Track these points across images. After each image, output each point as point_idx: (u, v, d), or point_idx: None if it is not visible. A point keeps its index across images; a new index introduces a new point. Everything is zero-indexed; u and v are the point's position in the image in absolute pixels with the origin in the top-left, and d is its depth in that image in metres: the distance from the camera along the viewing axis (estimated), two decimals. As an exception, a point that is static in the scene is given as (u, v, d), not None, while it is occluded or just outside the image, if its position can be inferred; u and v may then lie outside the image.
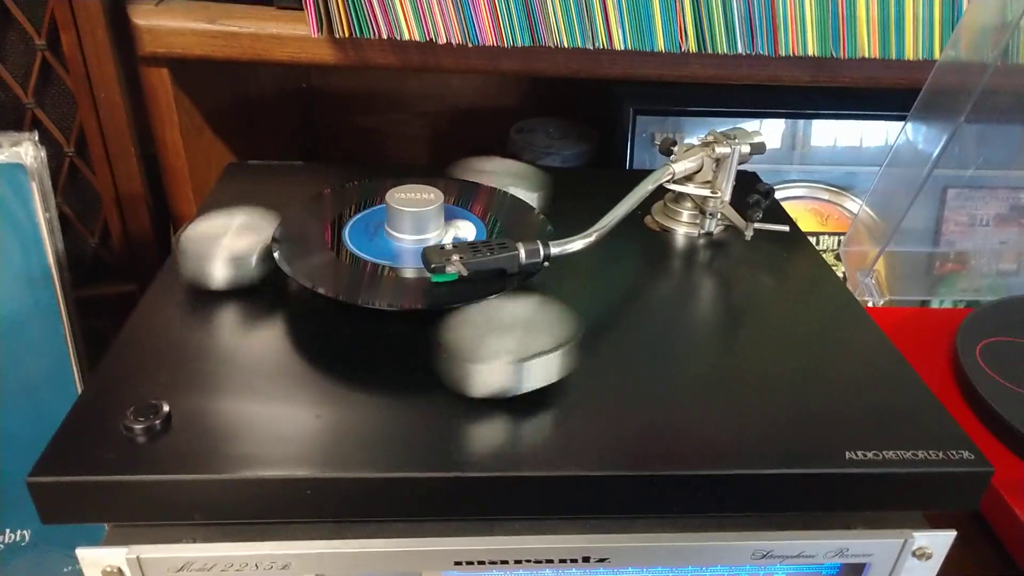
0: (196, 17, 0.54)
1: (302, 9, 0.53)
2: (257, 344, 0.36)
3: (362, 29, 0.52)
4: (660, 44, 0.54)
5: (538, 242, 0.37)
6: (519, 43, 0.53)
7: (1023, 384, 0.47)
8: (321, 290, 0.36)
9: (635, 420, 0.33)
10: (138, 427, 0.30)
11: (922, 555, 0.33)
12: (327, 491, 0.30)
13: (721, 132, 0.46)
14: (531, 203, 0.46)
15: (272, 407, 0.32)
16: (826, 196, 0.75)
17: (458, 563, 0.32)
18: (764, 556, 0.33)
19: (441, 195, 0.41)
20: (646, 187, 0.43)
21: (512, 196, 0.46)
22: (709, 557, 0.33)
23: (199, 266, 0.38)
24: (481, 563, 0.32)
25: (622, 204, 0.41)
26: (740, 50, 0.55)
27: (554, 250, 0.38)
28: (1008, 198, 0.72)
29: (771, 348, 0.38)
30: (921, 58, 0.56)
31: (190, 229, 0.40)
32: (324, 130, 0.89)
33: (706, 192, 0.46)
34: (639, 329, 0.39)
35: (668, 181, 0.45)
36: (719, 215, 0.47)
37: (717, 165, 0.46)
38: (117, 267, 0.62)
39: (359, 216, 0.43)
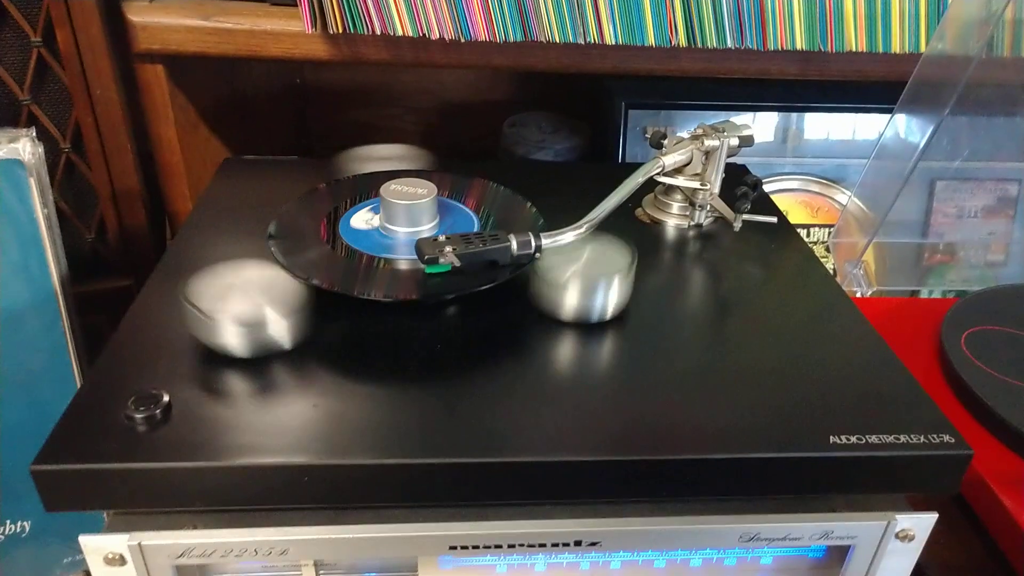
0: (191, 14, 0.55)
1: (296, 5, 0.53)
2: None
3: (355, 25, 0.52)
4: (650, 39, 0.55)
5: (529, 234, 0.38)
6: (511, 38, 0.54)
7: (1007, 372, 0.47)
8: (317, 282, 0.37)
9: (626, 407, 0.33)
10: (139, 416, 0.30)
11: (905, 537, 0.34)
12: (324, 478, 0.30)
13: (710, 125, 0.47)
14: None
15: (270, 397, 0.33)
16: (817, 188, 0.76)
17: (453, 548, 0.33)
18: (751, 539, 0.33)
19: (435, 188, 0.41)
20: (636, 180, 0.44)
21: (505, 190, 0.46)
22: (698, 540, 0.34)
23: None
24: (475, 548, 0.33)
25: (612, 196, 0.42)
26: (729, 44, 0.56)
27: (545, 242, 0.38)
28: (995, 190, 0.73)
29: (759, 337, 0.39)
30: (907, 51, 0.57)
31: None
32: (318, 125, 0.89)
33: (695, 184, 0.47)
34: (629, 319, 0.39)
35: (658, 174, 0.46)
36: (708, 207, 0.48)
37: (706, 158, 0.46)
38: (113, 262, 0.63)
39: (354, 209, 0.43)
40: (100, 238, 0.62)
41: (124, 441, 0.30)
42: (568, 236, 0.39)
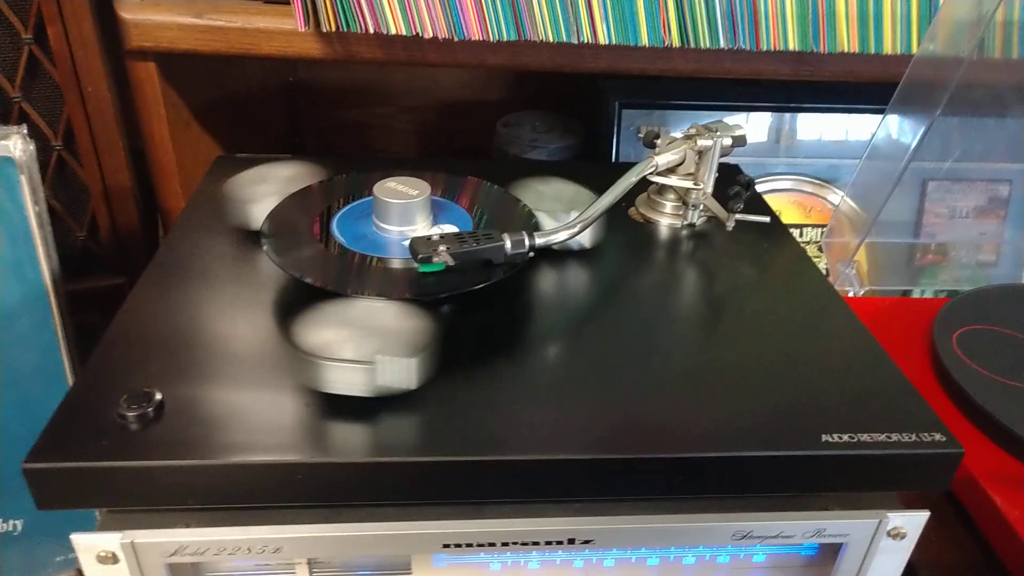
0: (183, 11, 0.54)
1: (288, 3, 0.53)
2: (248, 333, 0.36)
3: (348, 23, 0.52)
4: (644, 38, 0.55)
5: (523, 233, 0.38)
6: (504, 37, 0.54)
7: (998, 371, 0.48)
8: (309, 280, 0.37)
9: (620, 406, 0.33)
10: (131, 415, 0.30)
11: (896, 535, 0.34)
12: (318, 476, 0.30)
13: (703, 125, 0.47)
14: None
15: (263, 395, 0.33)
16: (810, 189, 0.76)
17: (446, 546, 0.33)
18: (744, 537, 0.34)
19: (428, 187, 0.41)
20: (629, 179, 0.44)
21: (498, 188, 0.46)
22: (691, 538, 0.34)
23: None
24: (469, 546, 0.33)
25: (605, 196, 0.42)
26: (722, 44, 0.56)
27: (539, 240, 0.38)
28: (987, 190, 0.73)
29: (751, 336, 0.39)
30: (899, 52, 0.57)
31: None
32: (311, 124, 0.89)
33: (689, 184, 0.47)
34: (623, 318, 0.39)
35: (651, 173, 0.46)
36: (701, 206, 0.48)
37: (699, 157, 0.46)
38: (105, 260, 0.63)
39: (347, 208, 0.43)
40: (92, 236, 0.62)
41: (116, 439, 0.30)
42: (562, 235, 0.39)
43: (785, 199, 0.76)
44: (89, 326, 0.59)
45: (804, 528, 0.34)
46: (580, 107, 0.82)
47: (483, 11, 0.53)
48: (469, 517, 0.33)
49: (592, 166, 0.68)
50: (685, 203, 0.48)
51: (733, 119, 0.48)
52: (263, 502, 0.31)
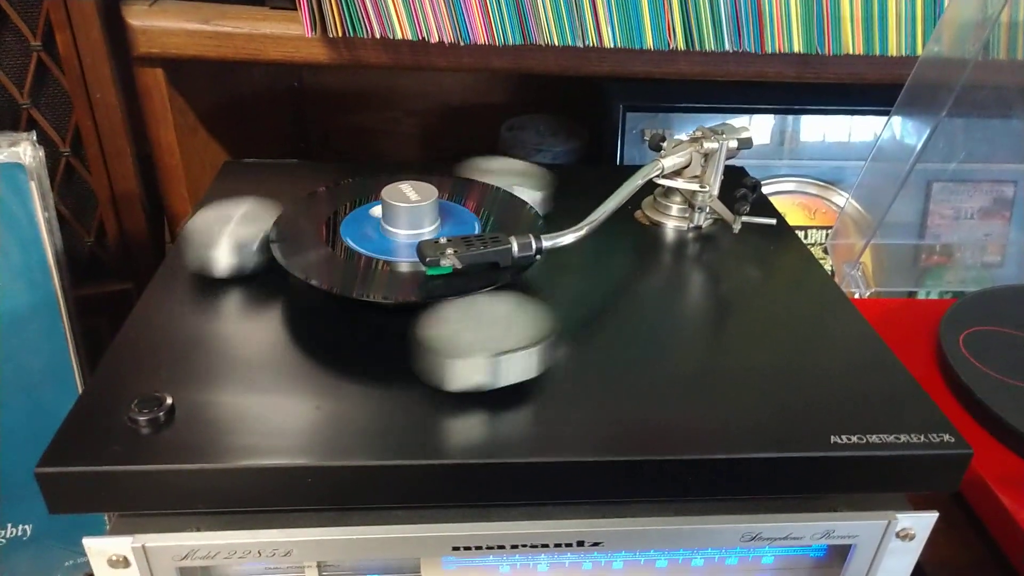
0: (190, 17, 0.55)
1: (295, 9, 0.54)
2: (257, 338, 0.37)
3: (355, 28, 0.53)
4: (649, 41, 0.55)
5: (530, 236, 0.38)
6: (510, 41, 0.54)
7: (1005, 372, 0.48)
8: (316, 283, 0.37)
9: (629, 408, 0.33)
10: (142, 419, 0.31)
11: (905, 536, 0.34)
12: (328, 479, 0.30)
13: (709, 128, 0.47)
14: (534, 203, 0.46)
15: (273, 399, 0.33)
16: (814, 191, 0.76)
17: (456, 548, 0.33)
18: (753, 538, 0.34)
19: (435, 191, 0.41)
20: (635, 182, 0.44)
21: (505, 192, 0.47)
22: (699, 540, 0.34)
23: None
24: (478, 548, 0.33)
25: (612, 198, 0.42)
26: (727, 47, 0.56)
27: (546, 243, 0.39)
28: (992, 191, 0.73)
29: (759, 338, 0.39)
30: (904, 54, 0.57)
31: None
32: (316, 129, 0.89)
33: (695, 187, 0.47)
34: (631, 320, 0.39)
35: (657, 176, 0.46)
36: (707, 209, 0.48)
37: (705, 160, 0.47)
38: (113, 266, 0.63)
39: (355, 212, 0.43)
40: (100, 241, 0.62)
41: (128, 443, 0.30)
42: (569, 238, 0.40)
43: (790, 201, 0.76)
44: (97, 331, 0.59)
45: (813, 529, 0.34)
46: (585, 110, 0.82)
47: (488, 15, 0.53)
48: (478, 520, 0.33)
49: (597, 169, 0.69)
50: (691, 206, 0.48)
51: (738, 121, 0.48)
52: (273, 505, 0.31)
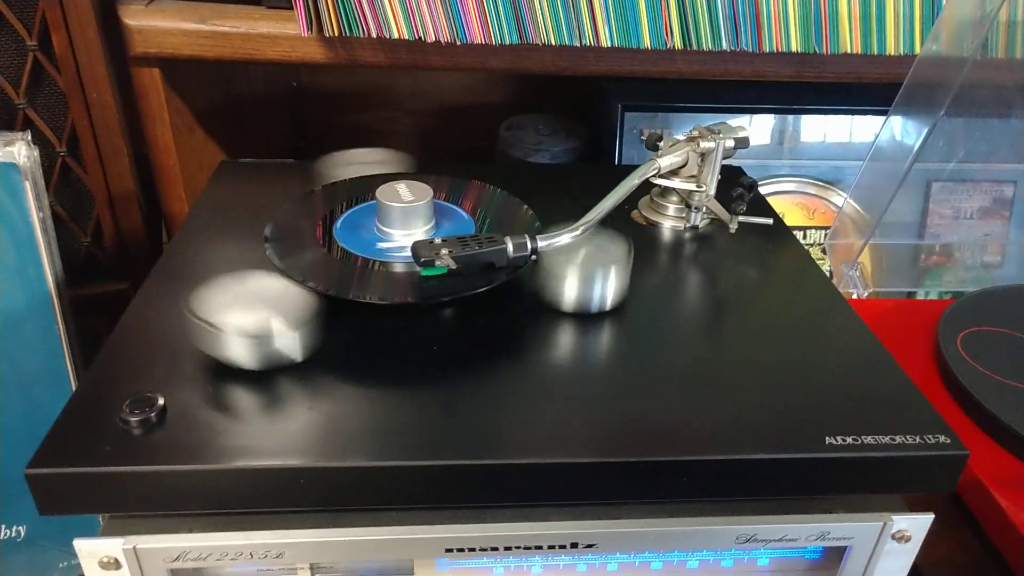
0: (186, 17, 0.55)
1: (291, 8, 0.54)
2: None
3: (351, 28, 0.52)
4: (646, 41, 0.55)
5: (526, 236, 0.38)
6: (507, 41, 0.54)
7: (1003, 373, 0.47)
8: (312, 285, 0.37)
9: (623, 408, 0.33)
10: (134, 420, 0.30)
11: (901, 538, 0.34)
12: (320, 480, 0.30)
13: (706, 127, 0.47)
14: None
15: (265, 399, 0.33)
16: (813, 191, 0.76)
17: (449, 550, 0.33)
18: (748, 540, 0.33)
19: (430, 191, 0.41)
20: (632, 181, 0.44)
21: (501, 192, 0.46)
22: (695, 542, 0.34)
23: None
24: (472, 550, 0.33)
25: (608, 198, 0.42)
26: (725, 46, 0.56)
27: (541, 243, 0.38)
28: (991, 191, 0.73)
29: (755, 338, 0.39)
30: (902, 53, 0.57)
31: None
32: (314, 129, 0.89)
33: (691, 186, 0.47)
34: (627, 320, 0.39)
35: (654, 175, 0.46)
36: (704, 209, 0.48)
37: (702, 159, 0.46)
38: (110, 266, 0.63)
39: (350, 212, 0.43)
40: (96, 241, 0.62)
41: (119, 444, 0.30)
42: (564, 238, 0.39)
43: (789, 201, 0.76)
44: (94, 331, 0.59)
45: (808, 531, 0.34)
46: (583, 110, 0.82)
47: (485, 14, 0.53)
48: (472, 521, 0.33)
49: (595, 168, 0.68)
50: (688, 205, 0.48)
51: (736, 121, 0.47)
52: (266, 507, 0.31)
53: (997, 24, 0.54)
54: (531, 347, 0.37)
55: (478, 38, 0.54)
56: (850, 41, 0.56)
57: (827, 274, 0.46)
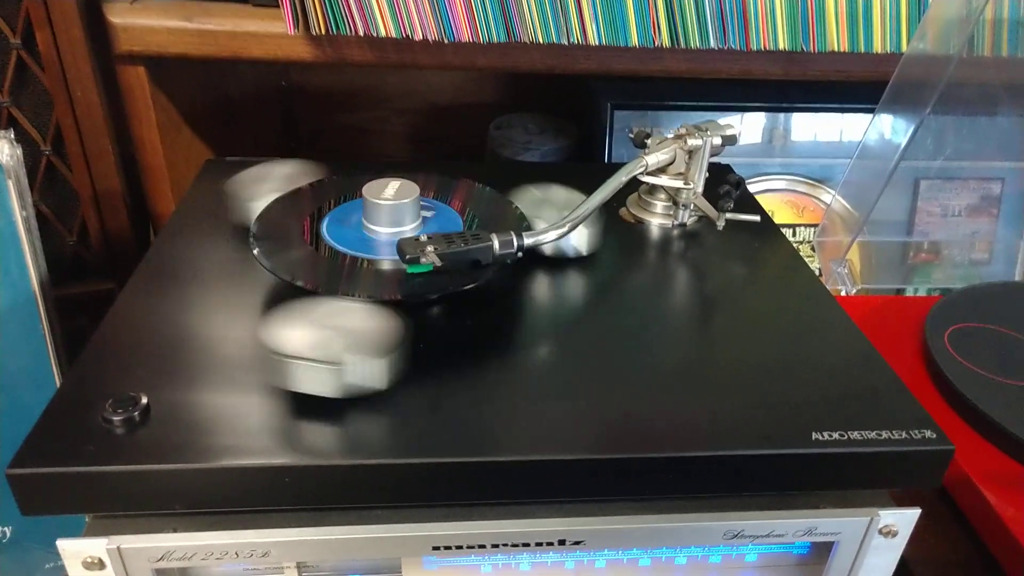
0: (172, 15, 0.54)
1: (278, 6, 0.53)
2: (235, 337, 0.36)
3: (338, 26, 0.52)
4: (634, 39, 0.55)
5: (512, 233, 0.38)
6: (494, 39, 0.54)
7: (989, 368, 0.48)
8: (300, 283, 0.36)
9: (610, 405, 0.33)
10: (117, 419, 0.30)
11: (888, 533, 0.34)
12: (306, 478, 0.30)
13: (693, 125, 0.47)
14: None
15: (250, 398, 0.32)
16: (803, 189, 0.76)
17: (436, 548, 0.33)
18: (735, 536, 0.33)
19: (417, 188, 0.41)
20: (619, 179, 0.44)
21: (489, 190, 0.46)
22: (682, 538, 0.34)
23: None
24: (459, 548, 0.33)
25: (594, 196, 0.42)
26: (712, 44, 0.56)
27: (528, 241, 0.38)
28: (979, 189, 0.73)
29: (742, 336, 0.39)
30: (889, 51, 0.57)
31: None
32: (304, 128, 0.89)
33: (679, 184, 0.47)
34: (613, 318, 0.39)
35: (641, 173, 0.46)
36: (692, 206, 0.48)
37: (689, 157, 0.46)
38: (96, 265, 0.62)
39: (337, 210, 0.43)
40: (82, 241, 0.61)
41: (102, 444, 0.30)
42: (551, 235, 0.39)
43: (778, 199, 0.76)
44: (81, 331, 0.59)
45: (795, 527, 0.34)
46: (573, 109, 0.82)
47: (473, 13, 0.53)
48: (459, 519, 0.32)
49: (585, 167, 0.68)
50: (676, 203, 0.48)
51: (726, 120, 0.48)
52: (251, 506, 0.31)
53: (983, 22, 0.54)
54: (517, 345, 0.37)
55: (466, 36, 0.54)
56: (837, 39, 0.56)
57: (816, 271, 0.46)
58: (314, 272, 0.38)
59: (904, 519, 0.34)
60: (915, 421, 0.33)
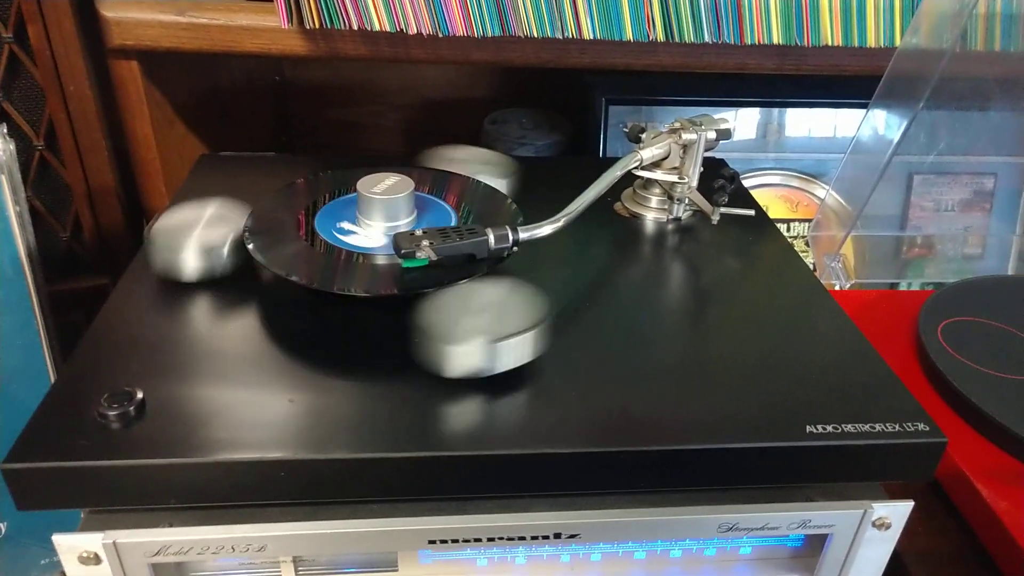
0: (165, 9, 0.54)
1: (271, 0, 0.53)
2: (230, 331, 0.36)
3: (332, 20, 0.52)
4: (628, 33, 0.55)
5: (507, 227, 0.38)
6: (489, 33, 0.54)
7: (982, 362, 0.48)
8: (295, 278, 0.36)
9: (605, 399, 0.33)
10: (112, 414, 0.30)
11: (881, 525, 0.34)
12: (301, 473, 0.30)
13: (688, 119, 0.47)
14: (500, 189, 0.46)
15: (245, 393, 0.32)
16: (797, 183, 0.76)
17: (432, 542, 0.33)
18: (730, 529, 0.34)
19: (412, 183, 0.41)
20: (614, 173, 0.44)
21: (484, 184, 0.46)
22: (677, 531, 0.34)
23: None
24: (455, 541, 0.33)
25: (590, 190, 0.42)
26: (707, 38, 0.56)
27: (523, 235, 0.38)
28: (971, 183, 0.73)
29: (737, 329, 0.39)
30: (883, 46, 0.57)
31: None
32: (299, 123, 0.89)
33: (674, 178, 0.47)
34: (610, 312, 0.39)
35: (636, 167, 0.46)
36: (687, 200, 0.48)
37: (684, 151, 0.46)
38: (89, 260, 0.62)
39: (331, 205, 0.43)
40: (75, 236, 0.61)
41: (97, 438, 0.30)
42: (546, 229, 0.39)
43: (773, 194, 0.76)
44: (73, 326, 0.59)
45: (789, 519, 0.34)
46: (567, 104, 0.82)
47: (467, 7, 0.53)
48: (455, 513, 0.33)
49: (579, 161, 0.68)
50: (670, 197, 0.48)
51: (721, 115, 0.48)
52: (247, 500, 0.31)
53: (975, 17, 0.54)
54: (514, 339, 0.37)
55: (460, 30, 0.53)
56: (831, 33, 0.57)
57: (810, 266, 0.46)
58: (309, 267, 0.38)
59: (897, 512, 0.34)
60: (908, 414, 0.33)
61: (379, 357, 0.35)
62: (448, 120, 0.90)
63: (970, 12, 0.52)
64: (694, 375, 0.35)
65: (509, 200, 0.45)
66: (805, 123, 0.74)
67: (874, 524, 0.34)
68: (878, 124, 0.57)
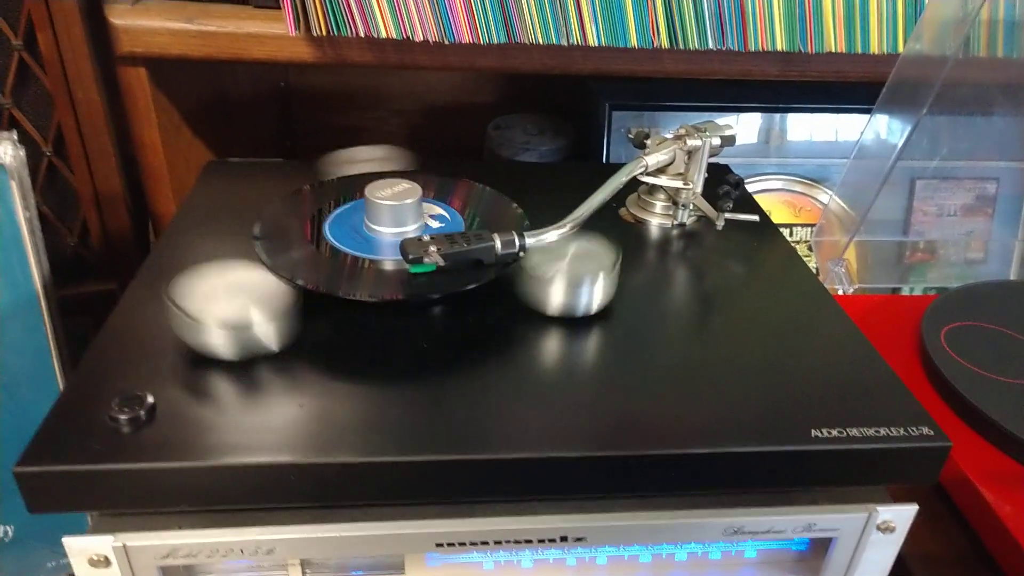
0: (173, 16, 0.55)
1: (279, 8, 0.54)
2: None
3: (339, 27, 0.53)
4: (633, 40, 0.55)
5: (513, 233, 0.38)
6: (494, 40, 0.54)
7: (986, 367, 0.48)
8: (302, 283, 0.37)
9: (611, 403, 0.34)
10: (123, 417, 0.30)
11: (886, 528, 0.34)
12: (310, 476, 0.30)
13: (692, 125, 0.47)
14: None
15: (255, 396, 0.33)
16: (800, 188, 0.77)
17: (439, 545, 0.33)
18: (735, 532, 0.34)
19: (419, 189, 0.41)
20: (619, 179, 0.44)
21: (490, 190, 0.47)
22: (683, 534, 0.34)
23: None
24: (462, 544, 0.33)
25: (596, 196, 0.42)
26: (711, 45, 0.56)
27: (529, 241, 0.39)
28: (974, 188, 0.74)
29: (742, 334, 0.39)
30: (886, 52, 0.57)
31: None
32: (303, 128, 0.89)
33: (678, 184, 0.47)
34: (614, 316, 0.40)
35: (641, 173, 0.46)
36: (691, 206, 0.48)
37: (689, 157, 0.47)
38: (97, 266, 0.62)
39: (339, 211, 0.43)
40: (83, 241, 0.62)
41: (108, 442, 0.30)
42: (552, 235, 0.40)
43: (775, 199, 0.76)
44: (81, 331, 0.59)
45: (794, 523, 0.34)
46: (571, 109, 0.82)
47: (473, 14, 0.53)
48: (462, 516, 0.33)
49: (583, 166, 0.69)
50: (675, 203, 0.48)
51: (724, 120, 0.48)
52: (256, 503, 0.31)
53: (979, 23, 0.54)
54: (519, 343, 0.37)
55: (466, 37, 0.54)
56: (834, 40, 0.57)
57: (813, 270, 0.47)
58: (316, 272, 0.38)
59: (902, 515, 0.34)
60: (912, 418, 0.33)
61: (388, 362, 0.35)
62: (452, 125, 0.90)
63: (973, 19, 0.52)
64: (700, 379, 0.35)
65: (514, 205, 0.45)
66: (807, 128, 0.75)
67: (878, 527, 0.34)
68: (881, 130, 0.58)
